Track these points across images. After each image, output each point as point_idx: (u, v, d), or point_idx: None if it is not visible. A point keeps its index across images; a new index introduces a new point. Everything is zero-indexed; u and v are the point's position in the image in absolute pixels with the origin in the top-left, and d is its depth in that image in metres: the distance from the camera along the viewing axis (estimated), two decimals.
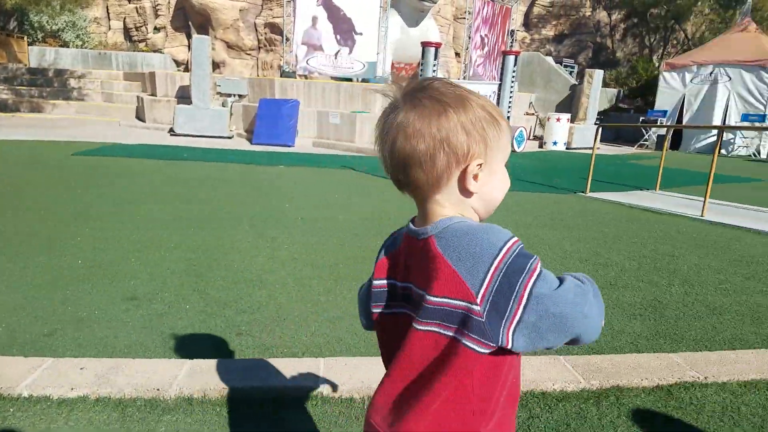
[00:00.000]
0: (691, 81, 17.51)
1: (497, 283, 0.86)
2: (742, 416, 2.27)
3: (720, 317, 3.40)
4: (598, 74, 18.53)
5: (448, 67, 20.01)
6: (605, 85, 23.07)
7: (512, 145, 15.21)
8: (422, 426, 0.95)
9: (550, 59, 21.08)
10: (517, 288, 0.86)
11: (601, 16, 27.91)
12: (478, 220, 1.00)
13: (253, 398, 2.25)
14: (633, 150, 17.77)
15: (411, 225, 1.02)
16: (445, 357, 0.92)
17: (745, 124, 16.03)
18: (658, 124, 17.09)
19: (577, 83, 19.62)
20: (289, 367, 2.42)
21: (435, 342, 0.92)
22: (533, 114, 18.64)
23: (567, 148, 16.90)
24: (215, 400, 2.24)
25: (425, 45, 13.04)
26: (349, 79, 15.49)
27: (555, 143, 16.73)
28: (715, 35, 20.75)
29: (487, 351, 0.89)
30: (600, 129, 9.03)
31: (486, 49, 15.59)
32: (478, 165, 0.94)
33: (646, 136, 18.39)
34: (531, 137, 17.79)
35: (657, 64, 21.25)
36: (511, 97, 14.93)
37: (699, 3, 24.07)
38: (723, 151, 16.84)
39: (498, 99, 14.87)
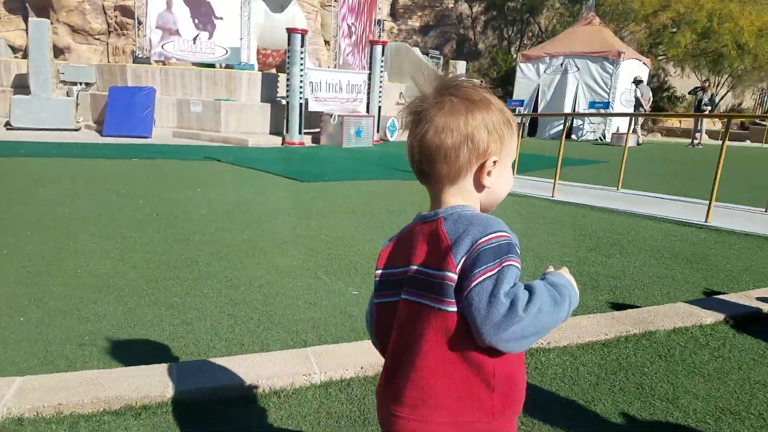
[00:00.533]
0: (544, 71, 18.75)
1: (477, 254, 0.96)
2: (580, 375, 2.40)
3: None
4: (461, 66, 19.34)
5: (318, 55, 19.82)
6: (469, 75, 24.13)
7: (385, 135, 15.46)
8: (418, 392, 1.03)
9: (417, 50, 21.61)
10: (493, 261, 0.95)
11: (463, 8, 29.11)
12: (479, 208, 1.10)
13: (93, 414, 2.02)
14: None
15: (420, 214, 1.13)
16: (425, 323, 1.01)
17: (591, 111, 17.51)
18: (517, 112, 18.16)
19: (443, 74, 20.32)
20: (135, 376, 2.20)
21: (418, 311, 1.03)
22: (404, 104, 19.03)
23: None
24: (50, 418, 1.98)
25: (291, 31, 12.75)
26: (212, 65, 14.78)
27: None
28: (564, 28, 22.41)
29: (455, 309, 0.98)
30: None
31: (354, 37, 15.58)
32: (493, 162, 1.05)
33: None
34: (402, 127, 18.16)
35: (515, 56, 22.55)
36: (381, 86, 15.10)
37: None
38: (573, 137, 18.29)
39: (368, 89, 14.98)
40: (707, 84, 19.43)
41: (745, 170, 10.82)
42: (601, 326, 2.79)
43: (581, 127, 18.49)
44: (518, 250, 1.00)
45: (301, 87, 13.02)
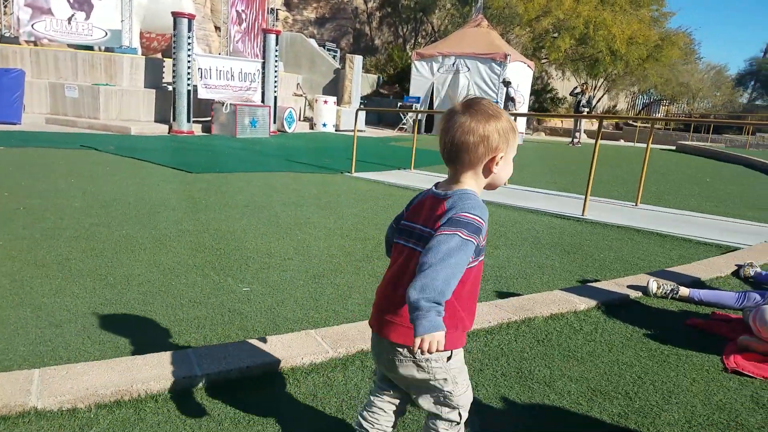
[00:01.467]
0: (438, 70, 19.26)
1: (450, 220, 1.39)
2: (466, 362, 2.44)
3: None
4: (358, 60, 19.37)
5: (208, 41, 19.04)
6: (366, 70, 24.26)
7: (283, 126, 15.17)
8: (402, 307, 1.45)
9: (313, 41, 21.41)
10: (455, 227, 1.37)
11: (359, 2, 29.20)
12: (481, 190, 1.53)
13: None
14: (393, 133, 19.01)
15: (434, 188, 1.54)
16: (412, 260, 1.46)
17: None
18: (413, 109, 18.51)
19: (340, 67, 20.27)
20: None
21: (416, 255, 1.44)
22: (301, 95, 18.78)
23: (336, 130, 17.41)
24: None
25: (177, 15, 12.13)
26: (90, 48, 13.74)
27: (324, 125, 17.10)
28: (456, 29, 23.13)
29: None
30: (361, 113, 9.37)
31: (244, 25, 15.09)
32: (501, 156, 1.48)
33: (404, 120, 19.81)
34: (301, 118, 17.93)
35: (410, 53, 22.96)
36: (276, 76, 14.78)
37: None
38: None
39: (263, 77, 14.60)
40: (585, 87, 20.89)
41: (618, 168, 11.74)
42: (485, 314, 2.89)
43: None
44: (482, 234, 1.42)
45: (188, 73, 12.44)
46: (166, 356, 2.27)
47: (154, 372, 2.15)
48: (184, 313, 2.92)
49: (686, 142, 20.82)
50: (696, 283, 3.73)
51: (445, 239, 1.34)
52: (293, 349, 2.34)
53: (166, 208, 5.29)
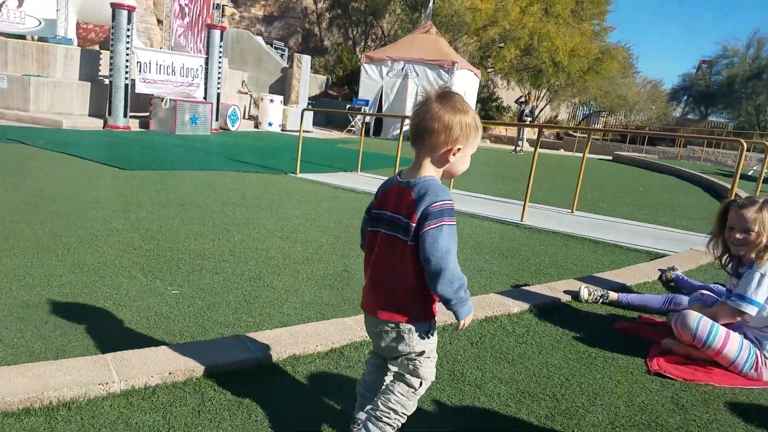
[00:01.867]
0: (387, 74, 19.33)
1: (428, 213, 1.58)
2: None
3: None
4: (306, 60, 19.21)
5: (150, 34, 18.45)
6: (315, 71, 24.09)
7: (226, 123, 14.85)
8: (387, 288, 1.71)
9: (260, 39, 21.08)
10: (437, 218, 1.57)
11: (309, 2, 28.99)
12: (440, 177, 1.68)
13: None
14: (342, 135, 18.94)
15: (398, 177, 1.71)
16: (396, 247, 1.65)
17: None
18: (362, 112, 18.50)
19: (287, 66, 20.05)
20: None
21: (392, 241, 1.66)
22: (246, 93, 18.45)
23: (282, 130, 17.18)
24: None
25: (116, 7, 11.68)
26: (22, 37, 13.06)
27: (270, 124, 16.85)
28: (405, 34, 23.29)
29: (413, 243, 1.62)
30: (306, 113, 9.29)
31: (187, 19, 14.68)
32: (458, 148, 1.63)
33: (353, 123, 19.78)
34: (246, 117, 17.61)
35: (359, 56, 22.96)
36: (220, 73, 14.46)
37: (392, 2, 26.70)
38: None
39: (206, 74, 14.26)
40: (528, 96, 21.44)
41: (557, 176, 12.07)
42: None
43: None
44: (453, 212, 1.59)
45: (127, 66, 12.00)
46: (82, 362, 2.15)
47: (68, 378, 2.02)
48: (106, 317, 2.78)
49: (622, 153, 21.66)
50: (624, 287, 3.85)
51: (437, 233, 1.57)
52: (221, 355, 2.25)
53: (95, 206, 5.06)
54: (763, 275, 2.61)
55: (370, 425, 1.75)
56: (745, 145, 5.48)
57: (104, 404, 1.97)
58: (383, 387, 1.82)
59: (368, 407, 1.82)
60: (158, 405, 2.00)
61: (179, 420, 1.92)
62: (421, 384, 1.77)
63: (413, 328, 1.70)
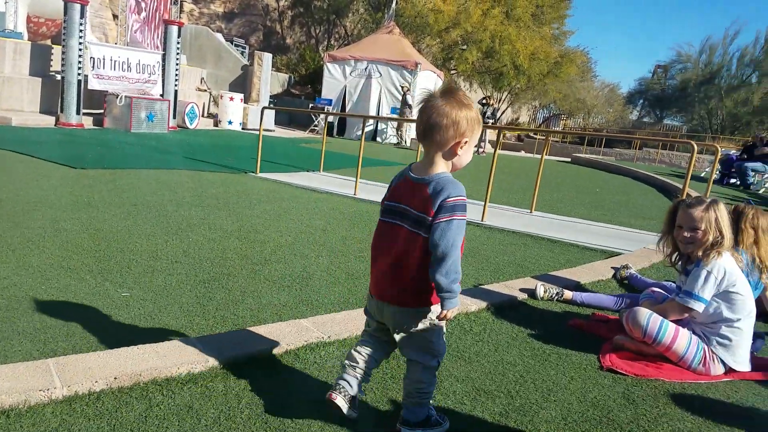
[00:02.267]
0: (350, 74, 19.24)
1: (443, 206, 1.71)
2: None
3: (357, 281, 3.69)
4: (267, 57, 18.97)
5: (105, 29, 17.93)
6: (277, 69, 23.84)
7: (184, 121, 14.56)
8: (403, 281, 1.83)
9: (219, 36, 20.72)
10: (450, 212, 1.71)
11: (270, 0, 28.66)
12: (449, 171, 1.81)
13: None
14: (305, 134, 18.78)
15: (410, 172, 1.83)
16: (407, 238, 1.78)
17: (393, 115, 18.44)
18: (325, 111, 18.38)
19: (248, 64, 19.78)
20: None
21: (404, 232, 1.79)
22: (206, 90, 18.13)
23: (243, 129, 16.93)
24: None
25: (68, 0, 11.33)
26: None
27: (230, 122, 16.58)
28: (368, 34, 23.26)
29: (426, 235, 1.75)
30: (268, 111, 9.18)
31: (144, 14, 14.31)
32: (465, 141, 1.76)
33: (316, 122, 19.64)
34: (205, 115, 17.30)
35: (322, 55, 22.82)
36: (177, 69, 14.15)
37: (355, 2, 26.65)
38: (378, 139, 19.11)
39: (163, 70, 13.94)
40: (490, 99, 21.70)
41: (517, 177, 12.22)
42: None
43: (385, 130, 19.36)
44: (465, 207, 1.74)
45: (80, 62, 11.64)
46: (22, 367, 2.06)
47: (8, 384, 1.93)
48: (51, 320, 2.67)
49: (580, 155, 22.10)
50: (580, 286, 3.92)
51: (447, 226, 1.70)
52: (168, 358, 2.18)
53: (44, 206, 4.88)
54: (709, 272, 2.68)
55: (416, 409, 1.94)
56: (696, 147, 5.64)
57: (45, 411, 1.89)
58: (409, 376, 1.95)
59: (405, 399, 1.97)
60: (103, 411, 1.92)
61: (125, 426, 1.86)
62: (438, 362, 1.95)
63: (422, 311, 1.86)
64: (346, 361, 1.97)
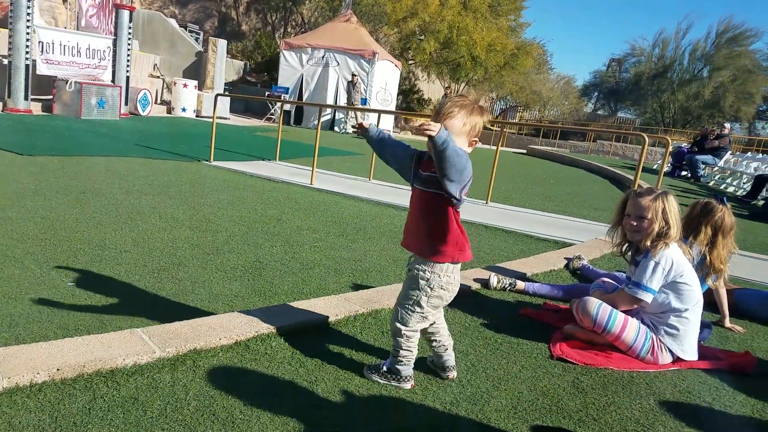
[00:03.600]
0: (307, 62, 19.02)
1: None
2: (307, 357, 2.41)
3: (310, 271, 3.67)
4: (222, 44, 18.57)
5: (54, 13, 17.18)
6: (233, 56, 23.37)
7: (136, 108, 14.15)
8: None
9: (173, 21, 20.17)
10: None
11: None
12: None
13: None
14: (261, 123, 18.50)
15: None
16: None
17: (359, 106, 18.33)
18: (281, 99, 18.15)
19: (202, 50, 19.34)
20: None
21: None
22: (159, 77, 17.64)
23: (197, 116, 16.56)
24: None
25: None
26: None
27: (184, 110, 16.19)
28: (326, 22, 23.01)
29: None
30: (222, 99, 9.00)
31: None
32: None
33: (272, 110, 19.37)
34: (158, 102, 16.84)
35: (279, 42, 22.47)
36: (129, 55, 13.71)
37: None
38: (336, 129, 18.97)
39: (114, 56, 13.48)
40: (449, 91, 21.81)
41: (473, 168, 12.33)
42: (332, 307, 2.86)
43: (344, 120, 19.23)
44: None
45: (27, 46, 11.16)
46: None
47: None
48: None
49: (536, 147, 22.53)
50: (532, 276, 4.00)
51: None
52: (114, 349, 2.13)
53: None
54: (657, 263, 2.72)
55: (390, 359, 2.32)
56: (647, 139, 5.82)
57: None
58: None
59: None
60: (45, 403, 1.86)
61: (68, 419, 1.80)
62: (398, 329, 2.27)
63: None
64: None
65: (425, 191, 2.14)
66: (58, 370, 1.98)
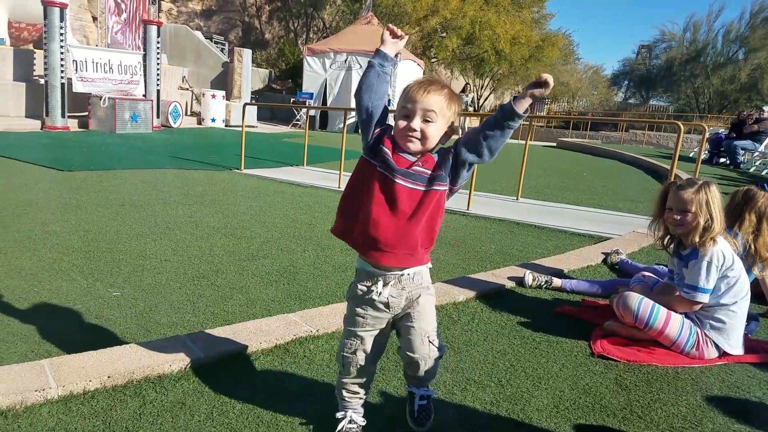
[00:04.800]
0: (330, 67, 19.13)
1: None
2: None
3: (343, 274, 3.71)
4: (247, 53, 18.82)
5: (86, 32, 17.71)
6: (258, 65, 23.67)
7: (167, 120, 14.45)
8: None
9: (199, 34, 20.52)
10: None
11: None
12: None
13: None
14: (287, 129, 18.69)
15: None
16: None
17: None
18: (306, 105, 18.29)
19: (228, 61, 19.63)
20: None
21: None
22: (188, 89, 17.98)
23: (226, 126, 16.84)
24: None
25: (47, 4, 11.16)
26: None
27: (213, 120, 16.47)
28: (347, 25, 23.11)
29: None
30: (250, 107, 9.13)
31: (124, 15, 14.17)
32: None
33: (298, 116, 19.56)
34: (188, 113, 17.17)
35: (302, 49, 22.67)
36: (158, 69, 14.03)
37: None
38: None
39: (145, 70, 13.81)
40: (467, 87, 21.67)
41: (502, 164, 12.25)
42: None
43: None
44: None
45: (62, 65, 11.52)
46: (18, 368, 2.08)
47: (3, 386, 1.96)
48: (45, 322, 2.68)
49: (566, 139, 22.19)
50: (568, 272, 3.96)
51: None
52: (160, 356, 2.20)
53: (33, 209, 4.86)
54: (710, 263, 2.64)
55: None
56: (682, 127, 5.68)
57: (42, 411, 1.91)
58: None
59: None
60: (98, 410, 1.94)
61: (120, 424, 1.88)
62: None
63: None
64: None
65: (421, 189, 1.69)
66: (109, 377, 2.06)
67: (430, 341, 1.83)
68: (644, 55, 42.46)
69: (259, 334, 2.49)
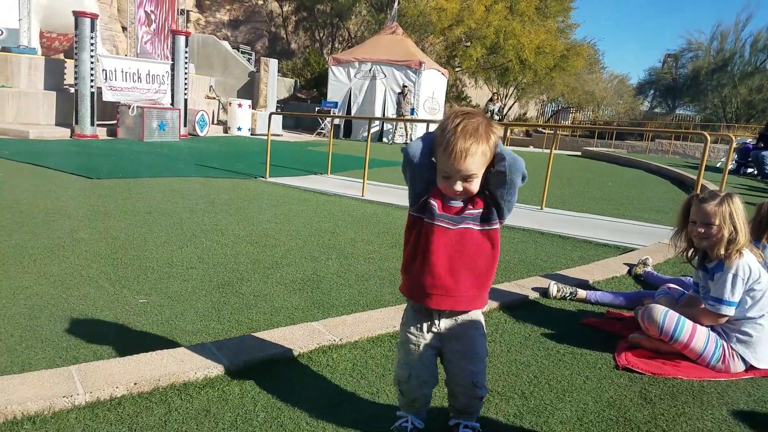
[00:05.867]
0: (354, 76, 19.28)
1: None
2: (368, 368, 2.46)
3: (366, 283, 3.72)
4: (273, 63, 19.06)
5: (115, 42, 18.16)
6: (283, 74, 23.95)
7: (194, 129, 14.68)
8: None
9: (226, 44, 20.87)
10: None
11: (274, 6, 28.79)
12: None
13: None
14: (312, 137, 18.85)
15: None
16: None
17: (409, 117, 18.44)
18: (331, 114, 18.42)
19: (255, 70, 19.90)
20: None
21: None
22: (215, 98, 18.26)
23: (252, 134, 17.04)
24: None
25: (79, 15, 11.48)
26: None
27: (240, 129, 16.69)
28: (371, 35, 23.27)
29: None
30: (275, 116, 9.22)
31: (153, 26, 14.48)
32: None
33: (323, 125, 19.71)
34: (215, 122, 17.43)
35: (327, 58, 22.87)
36: (186, 78, 14.28)
37: (357, 4, 26.67)
38: (385, 140, 19.11)
39: (172, 80, 14.07)
40: (495, 96, 21.62)
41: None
42: (391, 318, 2.89)
43: (392, 131, 19.38)
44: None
45: (92, 75, 11.80)
46: (46, 374, 2.12)
47: (32, 392, 1.99)
48: (73, 328, 2.74)
49: (591, 148, 21.96)
50: (593, 284, 3.91)
51: None
52: (186, 363, 2.23)
53: (62, 216, 4.97)
54: (735, 275, 2.60)
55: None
56: (709, 138, 5.60)
57: (69, 417, 1.94)
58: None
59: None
60: (124, 416, 1.97)
61: (145, 431, 1.90)
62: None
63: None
64: None
65: (474, 229, 1.78)
66: (135, 384, 2.09)
67: (475, 376, 1.92)
68: (670, 65, 41.89)
69: (282, 342, 2.51)
